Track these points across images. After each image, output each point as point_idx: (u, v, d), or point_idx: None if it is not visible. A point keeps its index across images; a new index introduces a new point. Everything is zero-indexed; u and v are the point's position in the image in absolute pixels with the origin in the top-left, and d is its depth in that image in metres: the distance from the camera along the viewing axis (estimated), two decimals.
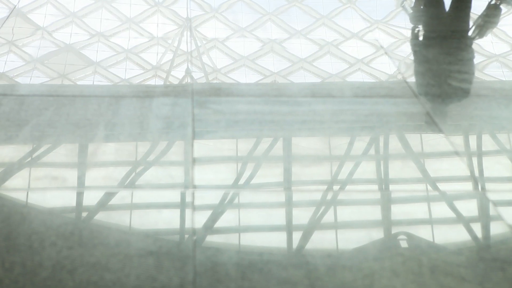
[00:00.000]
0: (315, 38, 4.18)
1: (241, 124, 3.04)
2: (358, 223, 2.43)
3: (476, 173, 2.74)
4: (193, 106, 3.16)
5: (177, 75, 3.61)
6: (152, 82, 3.52)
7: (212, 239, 2.30)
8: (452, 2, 4.86)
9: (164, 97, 3.28)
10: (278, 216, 2.45)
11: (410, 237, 2.38)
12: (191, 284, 2.06)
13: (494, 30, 4.39)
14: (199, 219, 2.36)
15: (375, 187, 2.67)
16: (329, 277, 2.13)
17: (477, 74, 3.77)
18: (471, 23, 4.53)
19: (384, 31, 4.35)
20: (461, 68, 3.53)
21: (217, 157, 2.80)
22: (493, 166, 2.83)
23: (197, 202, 2.46)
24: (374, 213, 2.52)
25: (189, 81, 3.50)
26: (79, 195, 2.49)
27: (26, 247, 2.18)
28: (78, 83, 3.48)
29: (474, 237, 2.38)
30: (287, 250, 2.28)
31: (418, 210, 2.53)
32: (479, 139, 3.04)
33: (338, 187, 2.64)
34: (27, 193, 2.50)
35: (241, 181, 2.62)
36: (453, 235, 2.40)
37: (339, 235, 2.36)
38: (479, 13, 4.70)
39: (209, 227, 2.34)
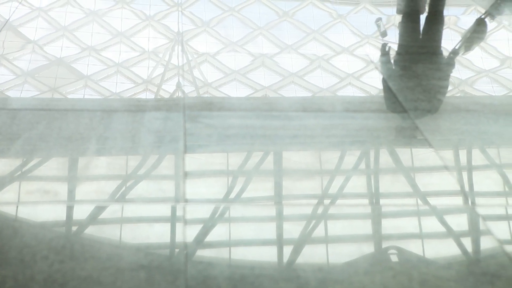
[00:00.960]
0: (306, 52, 4.20)
1: (232, 138, 3.05)
2: (348, 237, 2.44)
3: (466, 188, 2.76)
4: (185, 120, 3.17)
5: (168, 89, 3.61)
6: (143, 95, 3.53)
7: (204, 253, 2.30)
8: (426, 18, 4.90)
9: (156, 111, 3.29)
10: (269, 230, 2.46)
11: (400, 251, 2.39)
12: None
13: (481, 45, 4.42)
14: (190, 233, 2.37)
15: (365, 201, 2.69)
16: None
17: (466, 89, 3.80)
18: (455, 39, 4.56)
19: (374, 46, 4.38)
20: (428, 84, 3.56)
21: (209, 171, 2.80)
22: (483, 181, 2.85)
23: (188, 216, 2.46)
24: (365, 227, 2.53)
25: (180, 95, 3.51)
26: (71, 209, 2.50)
27: (17, 261, 2.18)
28: (69, 96, 3.48)
29: (464, 251, 2.39)
30: (278, 264, 2.28)
31: (409, 224, 2.55)
32: (469, 154, 3.06)
33: (329, 201, 2.65)
34: (17, 207, 2.49)
35: (233, 195, 2.63)
36: (443, 249, 2.41)
37: (329, 249, 2.37)
38: (467, 28, 4.73)
39: (200, 241, 2.34)
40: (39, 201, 2.52)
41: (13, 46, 4.06)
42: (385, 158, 2.98)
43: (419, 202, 2.69)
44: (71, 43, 4.16)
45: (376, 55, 4.20)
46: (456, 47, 4.32)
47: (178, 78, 3.70)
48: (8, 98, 3.41)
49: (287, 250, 2.34)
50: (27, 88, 3.55)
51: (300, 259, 2.30)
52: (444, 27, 4.84)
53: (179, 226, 2.40)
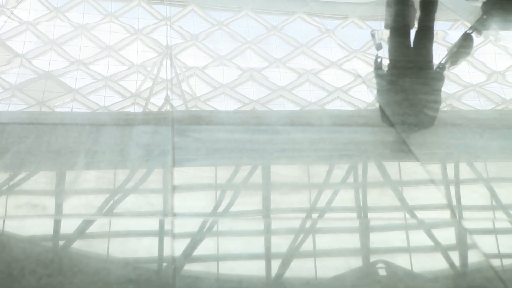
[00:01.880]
0: (294, 66, 4.22)
1: (220, 152, 3.05)
2: (336, 251, 2.45)
3: (453, 202, 2.78)
4: (173, 134, 3.18)
5: (157, 102, 3.62)
6: (131, 109, 3.53)
7: (192, 267, 2.31)
8: (415, 33, 4.93)
9: (144, 125, 3.29)
10: (257, 244, 2.47)
11: (388, 265, 2.40)
12: None
13: (467, 59, 4.45)
14: (178, 247, 2.37)
15: (353, 215, 2.70)
16: None
17: (453, 103, 3.82)
18: (442, 53, 4.58)
19: (362, 60, 4.40)
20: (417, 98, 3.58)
21: (197, 185, 2.81)
22: (470, 195, 2.86)
23: (177, 230, 2.47)
24: (353, 241, 2.54)
25: (168, 108, 3.52)
26: (59, 223, 2.49)
27: (5, 275, 2.17)
28: (58, 110, 3.48)
29: (451, 264, 2.40)
30: (266, 278, 2.29)
31: (396, 238, 2.56)
32: (456, 168, 3.08)
33: (317, 215, 2.66)
34: (4, 221, 2.49)
35: (221, 209, 2.63)
36: (430, 263, 2.42)
37: (317, 263, 2.38)
38: (453, 43, 4.76)
39: (188, 255, 2.34)
40: (27, 215, 2.52)
41: (1, 60, 4.06)
42: (372, 172, 3.00)
43: (407, 216, 2.70)
44: (59, 57, 4.17)
45: (364, 69, 4.22)
46: (442, 62, 4.35)
47: (167, 92, 3.71)
48: None
49: (275, 264, 2.35)
50: (15, 102, 3.54)
51: (288, 273, 2.31)
52: (433, 42, 4.88)
53: (167, 240, 2.41)
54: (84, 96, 3.63)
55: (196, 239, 2.43)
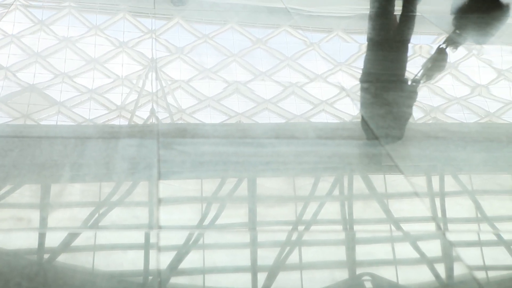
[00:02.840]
0: (279, 79, 4.23)
1: (206, 165, 3.06)
2: (322, 263, 2.45)
3: (438, 214, 2.79)
4: (159, 147, 3.18)
5: (142, 115, 3.62)
6: (116, 122, 3.53)
7: (178, 280, 2.31)
8: (394, 47, 4.97)
9: (129, 138, 3.29)
10: (243, 257, 2.47)
11: (373, 277, 2.41)
12: None
13: (442, 74, 4.47)
14: (164, 260, 2.37)
15: (339, 227, 2.70)
16: None
17: (438, 116, 3.84)
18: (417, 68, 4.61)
19: (347, 73, 4.42)
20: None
21: (183, 198, 2.81)
22: (454, 207, 2.88)
23: (162, 243, 2.47)
24: (338, 253, 2.55)
25: (154, 121, 3.52)
26: (44, 236, 2.49)
27: None
28: (42, 123, 3.47)
29: (436, 276, 2.41)
30: None
31: (382, 250, 2.57)
32: (441, 180, 3.09)
33: (303, 227, 2.66)
34: None
35: (207, 222, 2.64)
36: (415, 275, 2.43)
37: (303, 275, 2.38)
38: (428, 58, 4.79)
39: (174, 268, 2.34)
40: (12, 228, 2.52)
41: None
42: (357, 184, 3.01)
43: (392, 228, 2.71)
44: (44, 70, 4.16)
45: (349, 82, 4.24)
46: (417, 76, 4.37)
47: (152, 104, 3.71)
48: None
49: (261, 277, 2.35)
50: None
51: (274, 286, 2.31)
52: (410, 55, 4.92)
53: (153, 253, 2.41)
54: (69, 109, 3.63)
55: (181, 252, 2.43)
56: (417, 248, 2.55)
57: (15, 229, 2.51)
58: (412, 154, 3.30)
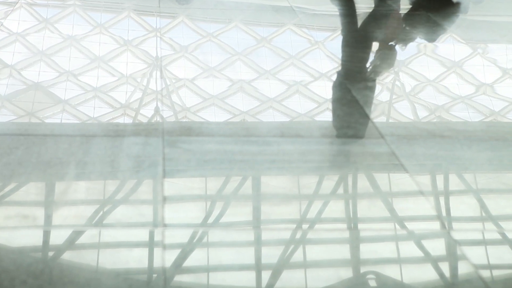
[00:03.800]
0: (284, 78, 4.23)
1: (211, 163, 3.06)
2: (326, 262, 2.46)
3: (442, 213, 2.79)
4: (164, 145, 3.18)
5: (146, 114, 3.62)
6: (121, 120, 3.53)
7: (182, 278, 2.31)
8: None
9: (135, 136, 3.30)
10: (247, 255, 2.47)
11: (378, 275, 2.41)
12: None
13: (390, 71, 4.46)
14: (169, 258, 2.37)
15: (343, 226, 2.71)
16: None
17: (442, 114, 3.84)
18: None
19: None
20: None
21: (188, 196, 2.81)
22: (458, 206, 2.88)
23: (167, 241, 2.47)
24: (343, 251, 2.55)
25: (158, 119, 3.52)
26: (50, 234, 2.49)
27: None
28: (47, 121, 3.48)
29: (440, 275, 2.41)
30: None
31: (386, 249, 2.57)
32: (445, 179, 3.09)
33: (307, 226, 2.66)
34: None
35: (211, 220, 2.64)
36: (420, 274, 2.43)
37: (308, 274, 2.38)
38: (377, 55, 4.77)
39: (179, 265, 2.35)
40: (17, 226, 2.52)
41: None
42: (362, 183, 3.01)
43: (396, 226, 2.71)
44: (48, 68, 4.17)
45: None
46: (367, 73, 4.36)
47: (157, 103, 3.72)
48: None
49: (266, 275, 2.35)
50: (4, 113, 3.54)
51: (279, 284, 2.31)
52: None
53: (157, 251, 2.41)
54: (73, 107, 3.63)
55: (186, 250, 2.44)
56: (421, 247, 2.55)
57: (21, 226, 2.52)
58: (417, 152, 3.29)
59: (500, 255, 2.57)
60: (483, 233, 2.69)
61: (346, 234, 2.65)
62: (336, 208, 2.80)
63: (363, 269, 2.44)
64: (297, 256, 2.46)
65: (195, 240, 2.50)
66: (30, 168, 2.93)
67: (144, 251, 2.42)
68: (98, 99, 3.77)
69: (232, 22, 5.31)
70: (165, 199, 2.74)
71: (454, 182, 3.08)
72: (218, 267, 2.38)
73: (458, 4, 5.81)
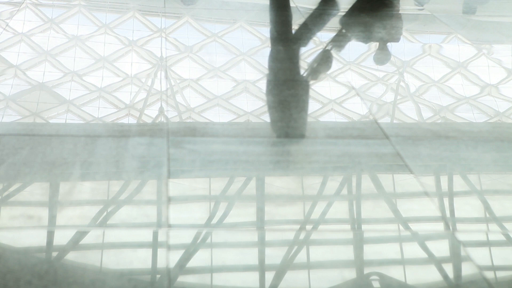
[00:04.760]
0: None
1: (215, 163, 3.06)
2: (330, 263, 2.46)
3: (447, 214, 2.79)
4: (169, 145, 3.19)
5: (151, 114, 3.63)
6: (125, 120, 3.54)
7: (186, 278, 2.31)
8: None
9: (139, 137, 3.30)
10: (251, 256, 2.47)
11: (382, 277, 2.41)
12: None
13: (327, 74, 4.44)
14: (173, 258, 2.37)
15: (347, 226, 2.71)
16: None
17: (447, 115, 3.84)
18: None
19: (356, 72, 4.42)
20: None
21: (192, 196, 2.82)
22: (463, 207, 2.88)
23: (172, 241, 2.47)
24: (347, 252, 2.55)
25: (163, 120, 3.52)
26: (54, 234, 2.50)
27: (0, 286, 2.17)
28: (51, 121, 3.48)
29: (444, 276, 2.41)
30: None
31: (390, 250, 2.57)
32: (449, 180, 3.09)
33: (311, 226, 2.66)
34: (1, 232, 2.49)
35: (215, 220, 2.64)
36: (424, 275, 2.43)
37: (311, 275, 2.38)
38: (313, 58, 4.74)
39: (183, 266, 2.35)
40: (22, 226, 2.53)
41: None
42: (366, 184, 3.01)
43: (401, 228, 2.71)
44: (53, 68, 4.17)
45: (358, 81, 4.24)
46: (304, 77, 4.34)
47: (161, 103, 3.72)
48: None
49: (269, 276, 2.35)
50: (9, 113, 3.55)
51: (282, 285, 2.31)
52: None
53: (162, 252, 2.41)
54: (78, 107, 3.64)
55: (190, 250, 2.44)
56: (426, 248, 2.55)
57: (26, 227, 2.53)
58: (422, 153, 3.29)
59: (504, 256, 2.57)
60: (487, 234, 2.69)
61: (350, 235, 2.65)
62: (340, 209, 2.80)
63: (367, 270, 2.44)
64: (301, 257, 2.46)
65: (199, 241, 2.50)
66: (35, 168, 2.93)
67: (149, 252, 2.42)
68: (102, 100, 3.77)
69: (237, 23, 5.31)
70: (169, 199, 2.74)
71: (459, 183, 3.07)
72: (222, 268, 2.38)
73: (391, 2, 5.79)
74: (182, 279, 2.30)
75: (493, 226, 2.77)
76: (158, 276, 2.31)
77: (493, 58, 4.80)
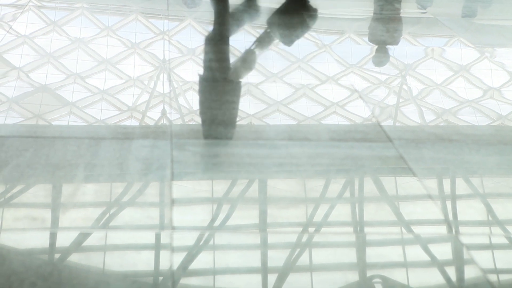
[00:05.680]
0: (291, 81, 4.24)
1: (219, 166, 3.07)
2: (333, 266, 2.46)
3: (450, 217, 2.79)
4: (172, 148, 3.19)
5: (153, 116, 3.63)
6: (127, 123, 3.54)
7: (190, 280, 2.32)
8: None
9: (143, 139, 3.30)
10: (254, 258, 2.47)
11: (384, 279, 2.41)
12: None
13: (250, 73, 4.42)
14: (177, 260, 2.38)
15: (350, 229, 2.71)
16: None
17: (450, 118, 3.84)
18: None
19: (358, 75, 4.42)
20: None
21: (195, 199, 2.82)
22: (466, 210, 2.88)
23: (175, 243, 2.48)
24: (349, 255, 2.55)
25: (165, 122, 3.53)
26: (58, 236, 2.50)
27: None
28: (55, 123, 3.49)
29: (447, 279, 2.41)
30: None
31: (393, 253, 2.57)
32: (452, 183, 3.09)
33: (314, 229, 2.67)
34: (3, 234, 2.50)
35: (219, 223, 2.64)
36: (427, 278, 2.43)
37: (314, 277, 2.38)
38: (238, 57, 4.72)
39: (187, 268, 2.35)
40: (26, 228, 2.53)
41: None
42: (369, 186, 3.01)
43: (403, 230, 2.71)
44: (56, 70, 4.18)
45: (361, 84, 4.24)
46: (228, 75, 4.32)
47: (163, 105, 3.72)
48: None
49: (272, 278, 2.35)
50: (12, 115, 3.55)
51: (285, 287, 2.31)
52: None
53: (165, 254, 2.41)
54: (81, 110, 3.64)
55: (194, 252, 2.44)
56: (428, 251, 2.55)
57: (29, 228, 2.53)
58: (425, 156, 3.29)
59: (507, 259, 2.57)
60: (490, 237, 2.69)
61: (353, 238, 2.65)
62: (343, 212, 2.80)
63: (369, 273, 2.44)
64: (304, 259, 2.46)
65: (202, 243, 2.50)
66: (38, 170, 2.93)
67: (152, 254, 2.43)
68: (105, 102, 3.78)
69: (240, 26, 5.31)
70: (173, 201, 2.74)
71: (462, 186, 3.08)
72: (225, 270, 2.38)
73: (315, 9, 5.79)
74: (185, 281, 2.30)
75: (496, 229, 2.77)
76: (161, 278, 2.31)
77: (496, 61, 4.81)
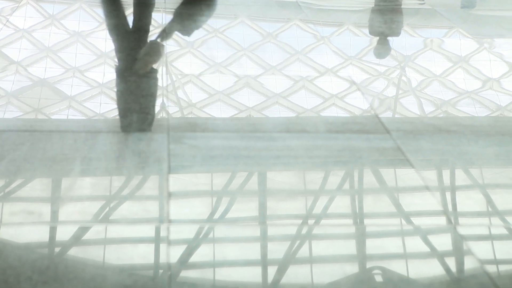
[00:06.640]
0: (290, 73, 4.23)
1: (216, 159, 3.06)
2: (332, 257, 2.45)
3: (449, 208, 2.78)
4: (169, 141, 3.18)
5: None
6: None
7: (188, 273, 2.31)
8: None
9: (140, 132, 3.30)
10: (253, 251, 2.47)
11: (384, 271, 2.41)
12: None
13: (155, 64, 4.39)
14: (174, 254, 2.37)
15: (349, 221, 2.70)
16: None
17: (449, 109, 3.83)
18: None
19: (357, 67, 4.41)
20: None
21: (193, 192, 2.82)
22: (465, 201, 2.87)
23: (172, 237, 2.47)
24: (349, 247, 2.54)
25: (164, 115, 3.52)
26: (55, 230, 2.50)
27: (1, 282, 2.17)
28: (53, 117, 3.48)
29: (446, 270, 2.41)
30: (263, 284, 2.29)
31: (392, 244, 2.56)
32: (451, 174, 3.09)
33: (313, 221, 2.66)
34: (2, 228, 2.49)
35: (217, 216, 2.64)
36: (426, 269, 2.43)
37: (313, 269, 2.38)
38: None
39: (184, 261, 2.35)
40: (23, 222, 2.53)
41: None
42: (368, 178, 3.01)
43: (402, 222, 2.71)
44: (54, 64, 4.17)
45: (359, 76, 4.24)
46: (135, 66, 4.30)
47: (162, 98, 3.72)
48: None
49: (271, 270, 2.35)
50: (10, 109, 3.55)
51: (284, 279, 2.31)
52: None
53: (163, 247, 2.41)
54: (79, 103, 3.64)
55: (192, 245, 2.44)
56: (427, 242, 2.55)
57: (26, 223, 2.52)
58: (423, 148, 3.29)
59: (506, 250, 2.56)
60: (489, 228, 2.69)
61: (352, 230, 2.65)
62: (342, 204, 2.80)
63: (369, 265, 2.44)
64: (303, 251, 2.46)
65: (200, 236, 2.50)
66: (35, 164, 2.93)
67: (150, 247, 2.42)
68: (104, 95, 3.77)
69: (238, 18, 5.31)
70: (170, 195, 2.74)
71: (461, 177, 3.07)
72: (224, 263, 2.38)
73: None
74: (183, 274, 2.30)
75: (495, 220, 2.76)
76: (159, 271, 2.30)
77: (495, 52, 4.80)
